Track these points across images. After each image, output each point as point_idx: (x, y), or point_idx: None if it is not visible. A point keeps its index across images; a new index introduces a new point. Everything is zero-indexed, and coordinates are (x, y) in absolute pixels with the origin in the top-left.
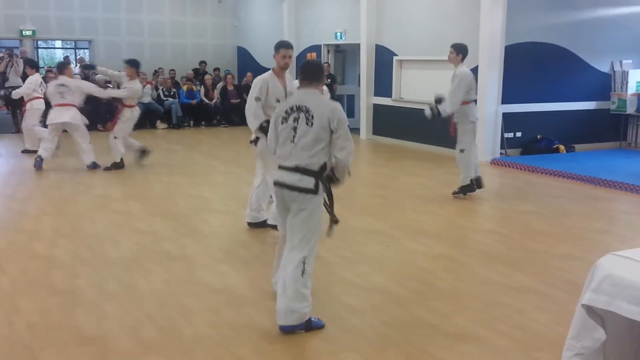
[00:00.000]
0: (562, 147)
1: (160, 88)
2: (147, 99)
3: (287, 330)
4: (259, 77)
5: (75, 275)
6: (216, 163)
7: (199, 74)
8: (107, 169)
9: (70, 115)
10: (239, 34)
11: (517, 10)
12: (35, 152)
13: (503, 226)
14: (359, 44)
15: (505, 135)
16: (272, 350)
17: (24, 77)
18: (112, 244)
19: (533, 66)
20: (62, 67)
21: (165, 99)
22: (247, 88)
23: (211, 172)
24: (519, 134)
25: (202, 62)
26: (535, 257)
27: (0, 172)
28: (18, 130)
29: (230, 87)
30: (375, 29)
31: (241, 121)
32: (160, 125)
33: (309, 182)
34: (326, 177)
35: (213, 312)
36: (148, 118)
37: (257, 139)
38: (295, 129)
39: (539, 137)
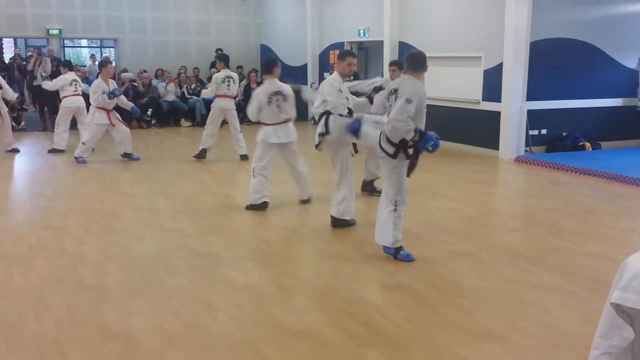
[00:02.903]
0: (588, 144)
1: (185, 86)
2: (171, 97)
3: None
4: (332, 79)
5: (103, 271)
6: (240, 160)
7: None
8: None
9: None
10: (263, 32)
11: (542, 6)
12: (60, 151)
13: (528, 224)
14: (382, 41)
15: (530, 132)
16: (295, 347)
17: (53, 75)
18: (138, 240)
19: (558, 62)
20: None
21: (189, 97)
22: None
23: (235, 169)
24: (544, 131)
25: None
26: (561, 255)
27: (28, 170)
28: (45, 129)
29: (253, 85)
30: (399, 26)
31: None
32: (184, 123)
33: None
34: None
35: (237, 309)
36: (172, 116)
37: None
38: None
39: (564, 134)
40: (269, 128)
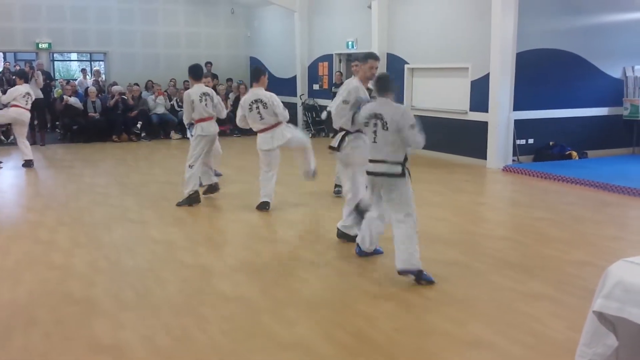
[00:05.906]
0: (574, 153)
1: (174, 99)
2: (161, 110)
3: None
4: (351, 85)
5: (92, 284)
6: (230, 172)
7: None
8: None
9: None
10: (252, 44)
11: (528, 17)
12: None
13: (516, 233)
14: None
15: (518, 142)
16: (286, 357)
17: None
18: (128, 253)
19: (545, 73)
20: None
21: (179, 109)
22: None
23: (225, 181)
24: (531, 141)
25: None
26: (548, 263)
27: (16, 184)
28: (34, 142)
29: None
30: (387, 38)
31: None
32: (174, 135)
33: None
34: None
35: (227, 320)
36: (162, 128)
37: (340, 144)
38: (375, 132)
39: (551, 143)
40: (259, 135)
